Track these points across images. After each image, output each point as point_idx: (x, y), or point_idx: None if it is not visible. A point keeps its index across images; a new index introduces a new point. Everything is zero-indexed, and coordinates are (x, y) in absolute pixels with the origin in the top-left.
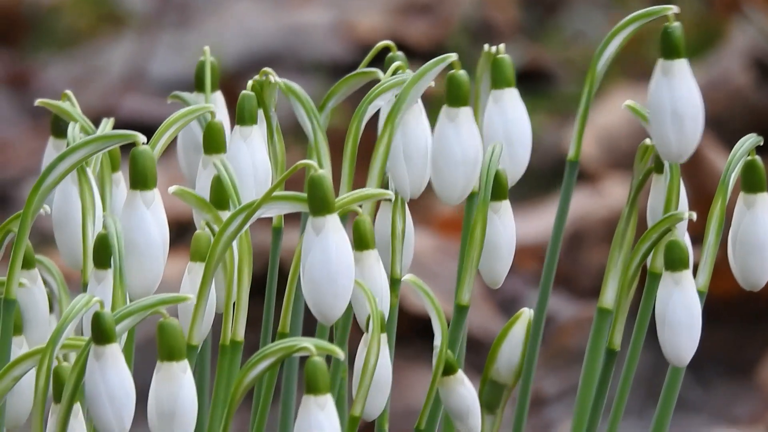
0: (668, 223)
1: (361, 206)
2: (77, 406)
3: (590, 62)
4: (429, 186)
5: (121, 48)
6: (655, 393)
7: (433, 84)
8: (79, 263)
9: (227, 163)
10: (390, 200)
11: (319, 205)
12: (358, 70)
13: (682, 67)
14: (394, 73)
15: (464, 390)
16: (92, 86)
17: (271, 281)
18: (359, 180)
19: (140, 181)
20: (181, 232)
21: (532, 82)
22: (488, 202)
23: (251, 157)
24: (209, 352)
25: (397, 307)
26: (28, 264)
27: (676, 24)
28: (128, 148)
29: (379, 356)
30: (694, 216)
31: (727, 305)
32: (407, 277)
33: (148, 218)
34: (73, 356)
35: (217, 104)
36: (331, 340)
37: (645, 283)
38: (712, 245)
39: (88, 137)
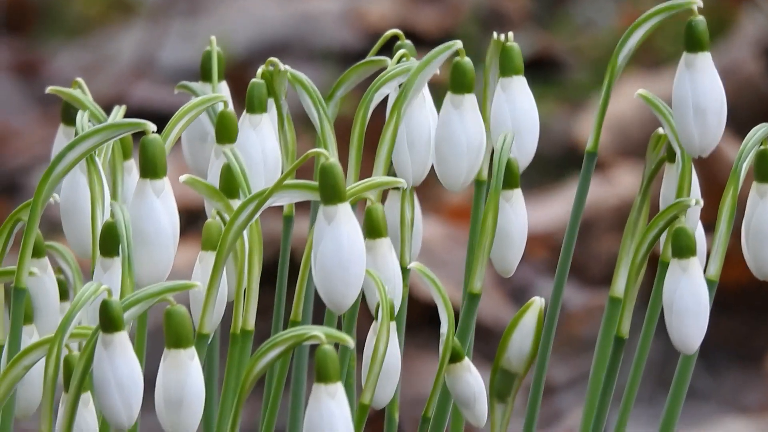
0: (675, 210)
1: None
2: (88, 396)
3: (600, 51)
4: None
5: (131, 36)
6: (665, 381)
7: (437, 72)
8: (87, 252)
9: (237, 153)
10: (399, 189)
11: (331, 193)
12: (367, 58)
13: (705, 60)
14: (399, 61)
15: (471, 377)
16: (102, 74)
17: (282, 269)
18: (365, 168)
19: (150, 169)
20: (191, 220)
21: (542, 71)
22: (500, 190)
23: (261, 146)
24: (218, 341)
25: (407, 296)
26: (38, 253)
27: (700, 18)
28: (140, 135)
29: (388, 344)
30: (701, 203)
31: (738, 294)
32: (413, 264)
33: (158, 207)
34: (83, 345)
35: (223, 94)
36: (339, 328)
37: (656, 272)
38: (724, 234)
39: (98, 126)
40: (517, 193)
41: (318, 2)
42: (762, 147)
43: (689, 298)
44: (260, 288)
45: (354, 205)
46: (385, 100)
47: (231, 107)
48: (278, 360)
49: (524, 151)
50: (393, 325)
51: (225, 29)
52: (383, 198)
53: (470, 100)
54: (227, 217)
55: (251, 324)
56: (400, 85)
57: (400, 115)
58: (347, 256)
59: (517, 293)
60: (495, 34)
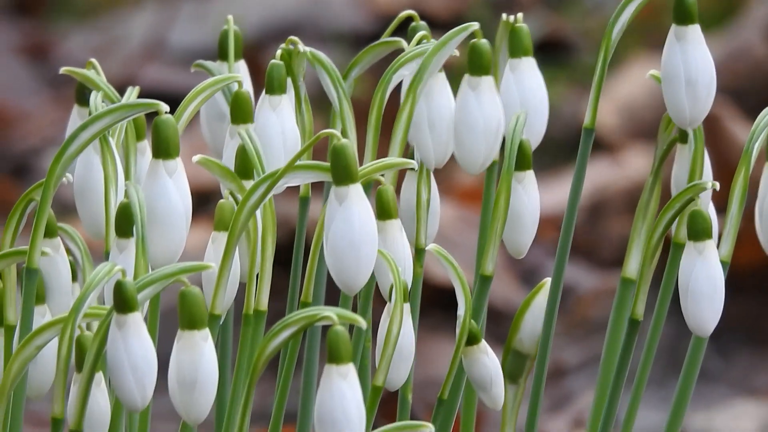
0: (691, 192)
1: (383, 176)
2: (99, 376)
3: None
4: (450, 156)
5: (141, 18)
6: (676, 363)
7: (457, 53)
8: (101, 232)
9: (252, 133)
10: (414, 170)
11: (342, 174)
12: (382, 39)
13: (695, 32)
14: (419, 42)
15: (487, 360)
16: (113, 56)
17: (297, 251)
18: (381, 150)
19: (163, 150)
20: (202, 202)
21: (552, 53)
22: (512, 171)
23: (281, 127)
24: (232, 322)
25: (422, 278)
26: (50, 233)
27: None
28: (153, 116)
29: (402, 326)
30: (717, 186)
31: (750, 276)
32: (431, 246)
33: (170, 187)
34: (96, 325)
35: (240, 74)
36: (354, 309)
37: (669, 253)
38: (736, 215)
39: (111, 106)
40: (530, 175)
41: None
42: None
43: (705, 281)
44: (274, 269)
45: (368, 186)
46: (398, 84)
47: (248, 87)
48: (290, 341)
49: (533, 131)
50: (407, 306)
51: (236, 11)
52: (400, 179)
53: (488, 81)
54: (240, 197)
55: (264, 305)
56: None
57: (416, 97)
58: (358, 237)
59: (527, 275)
60: (504, 16)
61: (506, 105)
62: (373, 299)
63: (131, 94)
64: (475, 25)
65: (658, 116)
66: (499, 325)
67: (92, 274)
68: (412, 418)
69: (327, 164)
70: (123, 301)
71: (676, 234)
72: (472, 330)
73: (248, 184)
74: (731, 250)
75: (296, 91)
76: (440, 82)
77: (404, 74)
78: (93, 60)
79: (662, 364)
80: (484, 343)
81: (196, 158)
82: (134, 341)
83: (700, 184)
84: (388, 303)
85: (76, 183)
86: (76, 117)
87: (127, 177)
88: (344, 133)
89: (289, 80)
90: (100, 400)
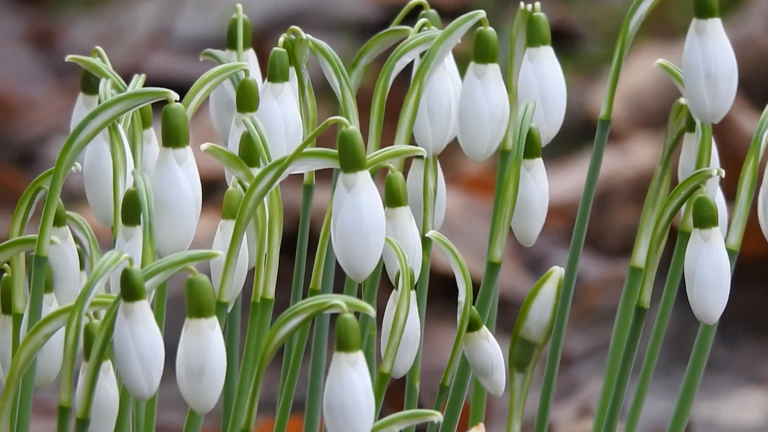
0: (697, 180)
1: (390, 163)
2: (108, 364)
3: (615, 23)
4: (456, 145)
5: (146, 6)
6: (682, 352)
7: (458, 41)
8: (110, 220)
9: (257, 120)
10: (421, 157)
11: (350, 161)
12: (391, 27)
13: (715, 26)
14: (420, 30)
15: (488, 346)
16: (118, 44)
17: (302, 238)
18: (385, 139)
19: (173, 138)
20: (208, 191)
21: (558, 43)
22: (521, 159)
23: (282, 114)
24: (239, 310)
25: (429, 266)
26: (59, 221)
27: None
28: (159, 105)
29: (408, 313)
30: (723, 173)
31: (755, 266)
32: (431, 233)
33: (180, 176)
34: (103, 314)
35: (249, 62)
36: (359, 296)
37: (676, 242)
38: (745, 203)
39: (121, 94)
40: (539, 163)
41: None
42: None
43: (711, 269)
44: (279, 258)
45: (375, 174)
46: (403, 72)
47: (257, 75)
48: (298, 329)
49: (551, 121)
50: (413, 293)
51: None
52: (407, 167)
53: (493, 69)
54: (248, 185)
55: (271, 292)
56: (421, 55)
57: (423, 85)
58: (367, 224)
59: (533, 264)
60: (522, 4)
61: (525, 94)
62: (378, 286)
63: (137, 82)
64: (481, 13)
65: (664, 106)
66: (506, 313)
67: (99, 262)
68: (419, 407)
69: (335, 151)
70: (130, 289)
71: (683, 223)
72: (472, 316)
73: (254, 172)
74: (740, 239)
75: (299, 79)
76: (440, 69)
77: (407, 61)
78: (99, 48)
79: (668, 353)
80: (485, 329)
81: (204, 146)
82: (141, 329)
83: (706, 171)
84: (394, 290)
85: (85, 171)
86: (82, 105)
87: (134, 165)
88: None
89: (292, 69)
90: (109, 388)
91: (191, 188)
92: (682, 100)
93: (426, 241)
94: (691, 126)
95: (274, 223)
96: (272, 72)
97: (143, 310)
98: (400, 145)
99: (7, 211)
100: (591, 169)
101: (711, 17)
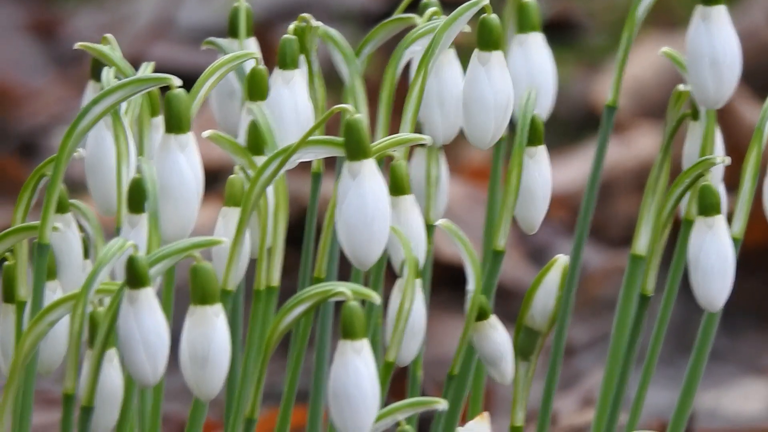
0: (701, 167)
1: (395, 152)
2: (112, 352)
3: (617, 14)
4: (459, 134)
5: None
6: (685, 342)
7: (469, 28)
8: (112, 209)
9: (264, 108)
10: (424, 146)
11: (356, 149)
12: (395, 16)
13: (720, 13)
14: (429, 19)
15: (497, 335)
16: (120, 34)
17: (309, 226)
18: (393, 127)
19: (175, 124)
20: (211, 179)
21: (560, 33)
22: (524, 147)
23: (293, 102)
24: (242, 299)
25: (432, 254)
26: (62, 208)
27: None
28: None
29: (413, 301)
30: (728, 160)
31: (758, 255)
32: (441, 221)
33: (182, 162)
34: (107, 301)
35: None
36: (365, 285)
37: (679, 232)
38: (748, 191)
39: (123, 81)
40: (541, 150)
41: None
42: None
43: (715, 256)
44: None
45: (380, 162)
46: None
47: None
48: (303, 318)
49: (540, 107)
50: (418, 282)
51: None
52: (409, 156)
53: (497, 57)
54: (251, 173)
55: (276, 280)
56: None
57: (427, 73)
58: (372, 212)
59: (536, 254)
60: None
61: (514, 80)
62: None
63: (145, 70)
64: (485, 0)
65: (666, 96)
66: (508, 303)
67: (104, 249)
68: (422, 396)
69: (340, 139)
70: (135, 277)
71: (687, 211)
72: (481, 305)
73: (258, 160)
74: (744, 227)
75: (309, 66)
76: (449, 58)
77: (416, 50)
78: (109, 36)
79: (671, 343)
80: (493, 318)
81: (206, 133)
82: (146, 317)
83: (710, 158)
84: (399, 279)
85: (87, 159)
86: (91, 93)
87: (141, 152)
88: (356, 110)
89: (302, 57)
90: (114, 376)
91: (193, 174)
92: (682, 87)
93: (429, 230)
94: (694, 114)
95: (279, 211)
96: (282, 59)
97: (148, 297)
98: (405, 133)
99: (9, 201)
100: (597, 156)
101: (717, 4)
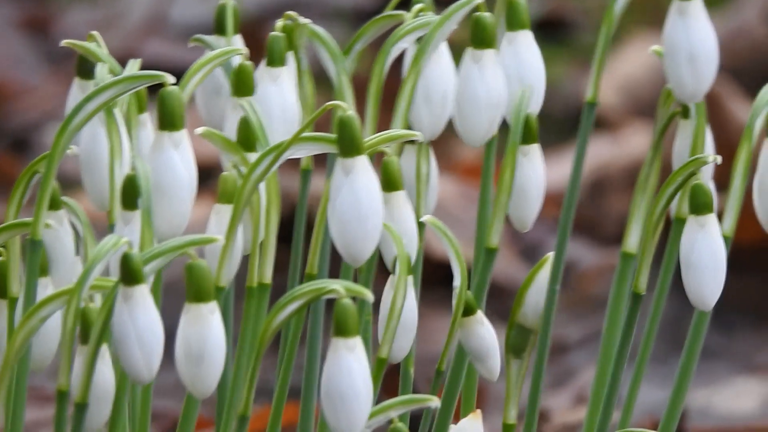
0: (693, 166)
1: (387, 148)
2: (104, 349)
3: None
4: (451, 132)
5: None
6: (677, 340)
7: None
8: (106, 205)
9: (255, 105)
10: (414, 142)
11: (349, 145)
12: (385, 13)
13: (697, 7)
14: (417, 15)
15: (484, 331)
16: (112, 31)
17: (299, 223)
18: (380, 124)
19: (168, 122)
20: (203, 177)
21: (553, 32)
22: (518, 145)
23: (280, 99)
24: (232, 296)
25: (423, 251)
26: (54, 205)
27: None
28: (153, 90)
29: (405, 297)
30: (719, 159)
31: (751, 254)
32: (426, 218)
33: (175, 159)
34: (98, 298)
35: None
36: (355, 282)
37: (670, 230)
38: (739, 189)
39: (116, 78)
40: (535, 148)
41: None
42: None
43: (707, 255)
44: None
45: (371, 158)
46: (398, 58)
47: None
48: (295, 315)
49: (531, 104)
50: (410, 278)
51: None
52: (399, 153)
53: (490, 55)
54: (243, 170)
55: (268, 277)
56: (417, 41)
57: (420, 71)
58: (365, 209)
59: (528, 252)
60: None
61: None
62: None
63: (133, 67)
64: None
65: (657, 94)
66: (501, 301)
67: (98, 246)
68: (414, 393)
69: (333, 136)
70: (130, 274)
71: (678, 209)
72: (468, 301)
73: (251, 157)
74: (734, 224)
75: (297, 63)
76: (437, 54)
77: (404, 47)
78: (95, 33)
79: (663, 341)
80: (480, 313)
81: (199, 130)
82: (141, 314)
83: (702, 157)
84: (391, 276)
85: (82, 155)
86: (77, 90)
87: (130, 149)
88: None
89: (290, 54)
90: (106, 372)
91: (187, 172)
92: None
93: (420, 227)
94: (685, 112)
95: (271, 208)
96: (270, 56)
97: (143, 294)
98: (396, 130)
99: (1, 198)
100: (577, 152)
101: None
